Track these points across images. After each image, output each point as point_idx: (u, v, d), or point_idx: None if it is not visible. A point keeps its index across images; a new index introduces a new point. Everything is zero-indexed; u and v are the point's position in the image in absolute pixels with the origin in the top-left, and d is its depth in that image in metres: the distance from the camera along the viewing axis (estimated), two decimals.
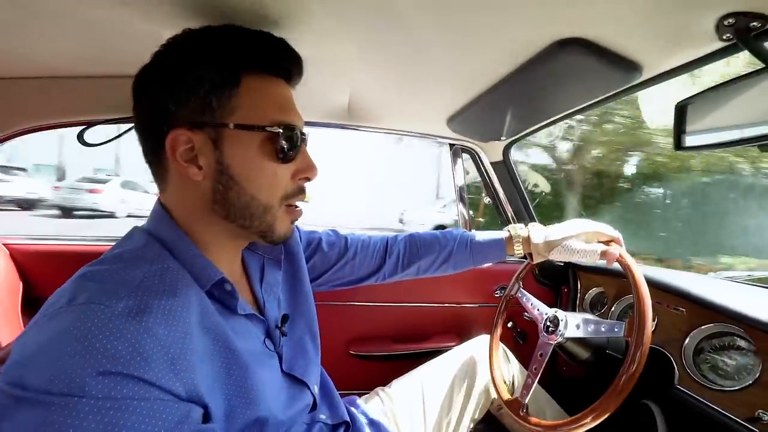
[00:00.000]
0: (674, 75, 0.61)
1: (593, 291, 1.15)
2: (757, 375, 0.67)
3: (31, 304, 0.99)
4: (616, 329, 0.73)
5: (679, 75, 0.61)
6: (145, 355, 0.37)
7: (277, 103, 0.50)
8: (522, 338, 1.24)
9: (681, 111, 0.59)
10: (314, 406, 0.63)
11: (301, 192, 0.53)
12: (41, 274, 1.03)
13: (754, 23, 0.45)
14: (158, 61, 0.48)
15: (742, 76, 0.52)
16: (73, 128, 0.93)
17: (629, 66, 0.61)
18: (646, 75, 0.63)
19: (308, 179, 0.53)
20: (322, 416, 0.65)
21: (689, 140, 0.59)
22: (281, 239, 0.54)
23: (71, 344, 0.34)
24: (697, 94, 0.58)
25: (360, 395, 0.88)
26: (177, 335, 0.40)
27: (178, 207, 0.50)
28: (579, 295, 1.18)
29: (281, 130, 0.48)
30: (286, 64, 0.52)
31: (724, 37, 0.49)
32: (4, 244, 1.01)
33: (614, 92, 0.70)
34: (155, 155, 0.49)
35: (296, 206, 0.54)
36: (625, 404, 0.67)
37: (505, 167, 1.25)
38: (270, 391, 0.51)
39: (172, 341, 0.40)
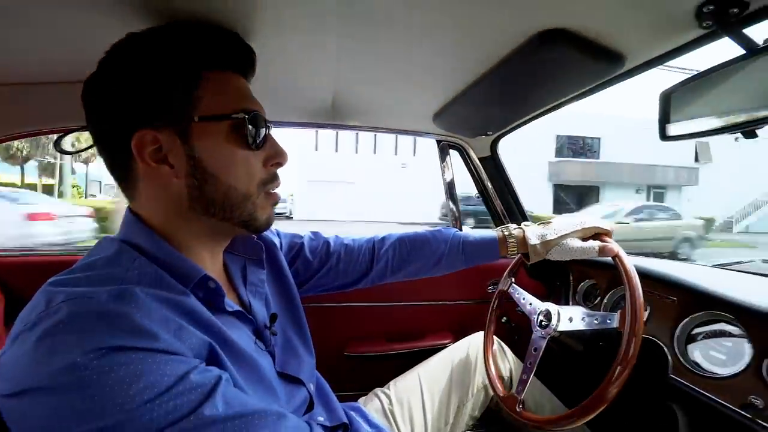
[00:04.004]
0: (656, 64, 0.61)
1: (585, 283, 1.15)
2: (748, 361, 0.67)
3: (13, 317, 0.96)
4: (608, 321, 0.72)
5: (662, 64, 0.61)
6: (144, 330, 0.36)
7: (237, 93, 0.51)
8: (516, 333, 1.24)
9: (665, 100, 0.59)
10: (311, 406, 0.62)
11: (275, 179, 0.54)
12: (24, 285, 1.00)
13: (734, 9, 0.45)
14: (109, 67, 0.46)
15: (724, 63, 0.52)
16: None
17: (612, 56, 0.60)
18: (628, 65, 0.63)
19: (280, 165, 0.54)
20: (320, 418, 0.63)
21: (673, 129, 0.59)
22: (264, 226, 0.54)
23: (63, 339, 0.34)
24: (681, 82, 0.58)
25: (357, 397, 0.87)
26: (171, 324, 0.40)
27: (152, 213, 0.49)
28: (571, 287, 1.18)
29: (246, 116, 0.48)
30: (243, 60, 0.53)
31: (704, 24, 0.49)
32: None
33: (598, 83, 0.70)
34: (121, 162, 0.47)
35: (274, 191, 0.54)
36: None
37: (493, 162, 1.25)
38: (268, 386, 0.51)
39: (168, 321, 0.39)
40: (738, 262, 1.11)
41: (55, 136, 0.90)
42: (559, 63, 0.63)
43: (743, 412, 0.64)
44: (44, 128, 0.91)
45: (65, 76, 0.73)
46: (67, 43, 0.61)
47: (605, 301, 1.03)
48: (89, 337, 0.34)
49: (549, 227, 0.82)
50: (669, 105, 0.59)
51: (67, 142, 0.91)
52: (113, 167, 0.48)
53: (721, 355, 0.74)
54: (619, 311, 0.71)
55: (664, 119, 0.59)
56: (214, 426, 0.35)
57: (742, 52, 0.48)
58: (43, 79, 0.76)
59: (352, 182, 16.93)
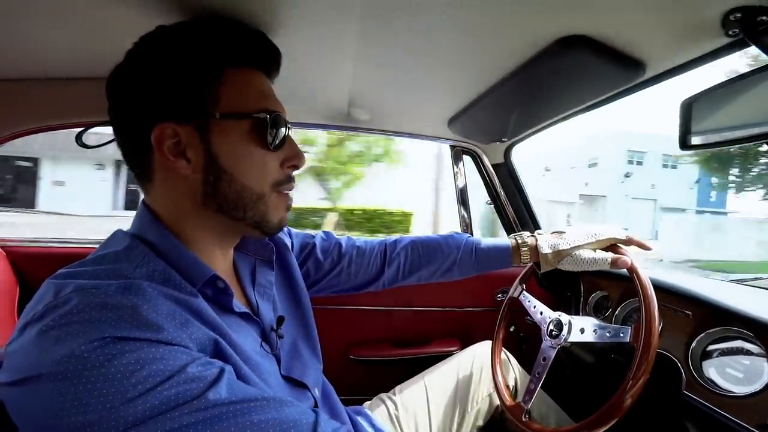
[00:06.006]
0: (678, 73, 0.60)
1: (596, 295, 1.13)
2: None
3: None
4: (621, 335, 0.71)
5: (683, 73, 0.60)
6: (149, 322, 0.36)
7: (260, 92, 0.51)
8: (524, 342, 1.22)
9: (687, 109, 0.58)
10: None
11: (290, 180, 0.54)
12: (38, 276, 1.02)
13: (762, 17, 0.44)
14: (135, 59, 0.47)
15: (749, 72, 0.51)
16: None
17: (632, 64, 0.60)
18: (649, 73, 0.62)
19: (296, 167, 0.54)
20: None
21: (695, 139, 0.58)
22: (276, 228, 0.53)
23: (69, 329, 0.34)
24: (703, 91, 0.57)
25: (361, 401, 0.86)
26: (177, 317, 0.40)
27: (166, 207, 0.49)
28: (582, 298, 1.16)
29: (267, 116, 0.48)
30: (266, 58, 0.53)
31: (731, 33, 0.48)
32: (1, 246, 1.00)
33: (616, 91, 0.69)
34: (139, 154, 0.48)
35: (288, 193, 0.54)
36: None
37: (506, 169, 1.24)
38: (272, 390, 0.50)
39: (174, 315, 0.39)
40: (757, 278, 1.08)
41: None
42: (578, 70, 0.63)
43: None
44: (66, 122, 0.93)
45: (92, 72, 0.75)
46: (97, 39, 0.62)
47: (617, 313, 1.01)
48: (94, 328, 0.34)
49: (562, 237, 0.81)
50: (690, 114, 0.58)
51: (88, 137, 0.93)
52: (131, 159, 0.49)
53: (738, 373, 0.72)
54: (632, 325, 0.69)
55: (685, 129, 0.58)
56: (216, 409, 0.35)
57: None
58: (71, 75, 0.78)
59: None
